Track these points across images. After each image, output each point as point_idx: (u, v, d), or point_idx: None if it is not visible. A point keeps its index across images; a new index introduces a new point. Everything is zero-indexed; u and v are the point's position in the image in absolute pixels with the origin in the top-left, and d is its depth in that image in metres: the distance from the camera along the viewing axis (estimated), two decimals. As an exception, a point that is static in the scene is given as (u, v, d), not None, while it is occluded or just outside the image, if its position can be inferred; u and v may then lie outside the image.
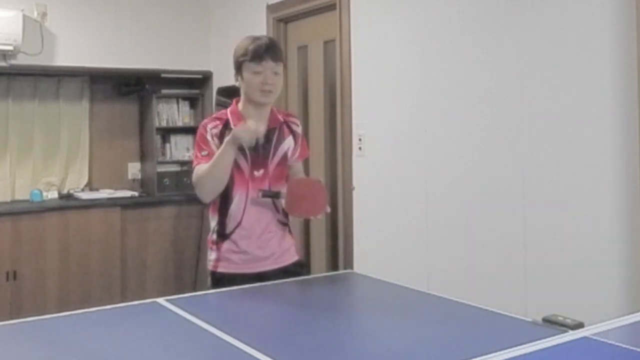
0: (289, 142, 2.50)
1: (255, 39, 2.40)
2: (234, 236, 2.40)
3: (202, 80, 5.37)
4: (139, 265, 4.93)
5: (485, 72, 3.06)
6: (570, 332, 1.57)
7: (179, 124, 5.35)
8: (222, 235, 2.42)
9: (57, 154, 5.06)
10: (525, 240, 2.87)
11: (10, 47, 4.44)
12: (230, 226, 2.41)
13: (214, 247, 2.44)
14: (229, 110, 2.45)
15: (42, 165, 5.01)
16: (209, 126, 2.41)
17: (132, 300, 2.15)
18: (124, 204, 4.89)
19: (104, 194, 5.01)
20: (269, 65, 2.35)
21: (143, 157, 5.40)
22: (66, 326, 1.89)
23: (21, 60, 4.59)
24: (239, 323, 1.88)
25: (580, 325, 1.60)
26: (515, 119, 2.92)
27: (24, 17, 4.51)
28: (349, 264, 3.85)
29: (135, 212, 4.93)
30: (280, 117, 2.51)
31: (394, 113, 3.58)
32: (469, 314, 1.92)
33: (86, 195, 4.94)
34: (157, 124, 5.19)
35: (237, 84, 2.44)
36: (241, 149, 2.34)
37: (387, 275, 2.37)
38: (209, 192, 2.39)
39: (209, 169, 2.32)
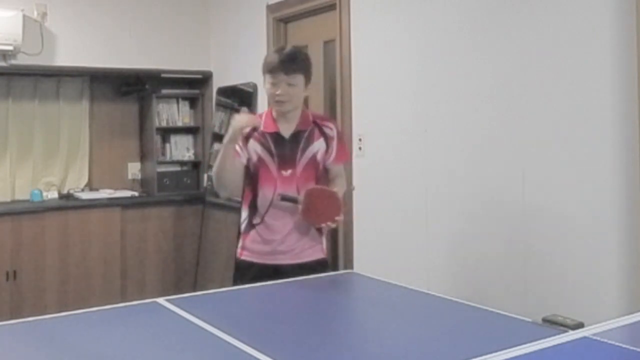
0: (318, 145, 2.59)
1: (276, 51, 2.58)
2: (258, 228, 2.58)
3: (202, 80, 5.37)
4: (139, 265, 4.93)
5: (485, 71, 3.06)
6: (570, 332, 1.57)
7: (179, 124, 5.36)
8: (250, 225, 2.60)
9: (57, 154, 5.06)
10: (525, 240, 2.87)
11: (10, 47, 4.44)
12: (256, 219, 2.57)
13: (242, 235, 2.63)
14: (264, 112, 2.64)
15: (42, 165, 5.01)
16: None
17: (132, 300, 2.15)
18: (124, 204, 4.89)
19: (104, 194, 5.01)
20: (281, 77, 2.49)
21: (143, 157, 5.40)
22: (66, 326, 1.89)
23: (21, 60, 4.59)
24: (239, 323, 1.88)
25: (580, 325, 1.60)
26: (516, 119, 2.92)
27: (24, 17, 4.51)
28: (349, 264, 3.84)
29: (135, 212, 4.92)
30: (312, 120, 2.63)
31: (394, 113, 3.58)
32: (469, 314, 1.92)
33: (86, 195, 4.94)
34: (157, 124, 5.20)
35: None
36: (267, 148, 2.53)
37: (387, 275, 2.38)
38: (221, 185, 2.59)
39: (218, 161, 2.50)
